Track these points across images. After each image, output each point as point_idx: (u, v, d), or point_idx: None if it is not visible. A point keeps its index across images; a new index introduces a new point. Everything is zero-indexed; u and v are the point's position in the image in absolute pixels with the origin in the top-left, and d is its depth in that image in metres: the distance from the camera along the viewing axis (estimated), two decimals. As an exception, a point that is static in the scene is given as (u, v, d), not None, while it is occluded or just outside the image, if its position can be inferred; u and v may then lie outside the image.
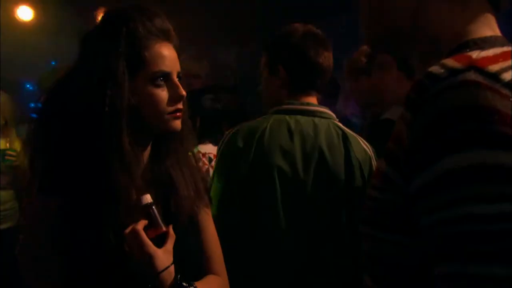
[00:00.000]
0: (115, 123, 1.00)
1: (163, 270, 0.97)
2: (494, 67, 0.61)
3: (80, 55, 1.08)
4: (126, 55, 1.02)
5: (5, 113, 3.10)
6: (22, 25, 4.75)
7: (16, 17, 4.58)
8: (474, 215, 0.56)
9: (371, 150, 1.55)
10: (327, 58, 1.59)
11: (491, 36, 0.71)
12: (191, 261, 1.12)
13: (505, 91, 0.59)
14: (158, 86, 1.06)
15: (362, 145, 1.54)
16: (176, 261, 1.01)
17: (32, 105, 4.46)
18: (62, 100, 1.05)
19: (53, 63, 5.65)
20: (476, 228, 0.55)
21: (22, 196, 3.22)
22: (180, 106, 1.09)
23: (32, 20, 4.64)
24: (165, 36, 1.09)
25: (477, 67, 0.61)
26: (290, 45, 1.58)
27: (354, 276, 1.46)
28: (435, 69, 0.64)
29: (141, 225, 0.99)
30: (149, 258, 0.96)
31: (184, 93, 1.08)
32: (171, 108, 1.07)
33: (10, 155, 3.07)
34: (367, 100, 2.24)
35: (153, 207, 1.02)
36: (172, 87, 1.08)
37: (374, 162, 1.52)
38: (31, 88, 5.64)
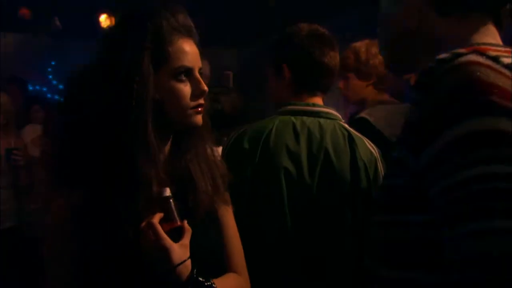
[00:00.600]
0: (142, 115, 1.02)
1: (179, 264, 0.97)
2: (495, 53, 0.70)
3: (101, 51, 1.09)
4: (151, 49, 1.04)
5: (6, 113, 3.09)
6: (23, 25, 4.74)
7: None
8: (485, 175, 0.61)
9: (377, 152, 1.54)
10: (332, 58, 1.57)
11: (493, 43, 0.78)
12: (211, 258, 1.12)
13: (504, 71, 0.66)
14: (181, 81, 1.07)
15: (368, 147, 1.53)
16: (195, 257, 1.01)
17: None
18: (84, 95, 1.07)
19: (53, 63, 5.65)
20: (488, 186, 0.60)
21: (22, 196, 3.21)
22: (202, 101, 1.10)
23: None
24: (188, 32, 1.10)
25: (479, 51, 0.70)
26: (295, 45, 1.57)
27: (357, 277, 1.45)
28: (442, 55, 0.71)
29: (157, 218, 0.99)
30: (165, 252, 0.96)
31: (206, 88, 1.09)
32: (193, 103, 1.08)
33: (16, 155, 3.07)
34: (356, 98, 2.22)
35: (171, 200, 1.02)
36: (194, 82, 1.09)
37: (380, 164, 1.51)
38: (31, 88, 5.62)
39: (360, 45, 2.14)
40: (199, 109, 1.09)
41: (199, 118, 1.10)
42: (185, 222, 1.02)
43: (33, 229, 3.19)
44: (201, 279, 1.00)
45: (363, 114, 1.96)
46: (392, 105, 2.08)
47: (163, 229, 0.98)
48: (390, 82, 2.15)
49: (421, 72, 0.73)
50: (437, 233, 0.68)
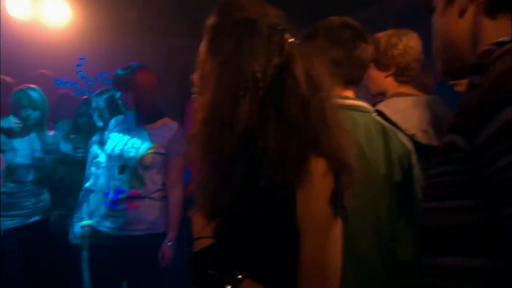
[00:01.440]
0: None
1: (195, 239, 1.10)
2: None
3: None
4: None
5: (41, 109, 3.14)
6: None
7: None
8: None
9: (410, 145, 1.51)
10: (365, 51, 1.54)
11: None
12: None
13: None
14: None
15: (402, 140, 1.51)
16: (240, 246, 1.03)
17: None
18: None
19: (84, 59, 5.74)
20: None
21: (55, 191, 3.27)
22: None
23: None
24: None
25: None
26: (326, 38, 1.55)
27: (391, 273, 1.43)
28: (501, 38, 0.73)
29: None
30: (191, 224, 1.13)
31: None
32: None
33: (52, 150, 3.16)
34: (376, 89, 2.16)
35: None
36: None
37: (413, 157, 1.49)
38: (58, 83, 5.72)
39: (382, 35, 2.06)
40: None
41: None
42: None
43: (62, 223, 3.25)
44: (204, 260, 1.03)
45: (379, 107, 1.90)
46: (411, 97, 1.99)
47: None
48: (414, 74, 2.07)
49: (478, 55, 0.74)
50: (491, 216, 0.67)
